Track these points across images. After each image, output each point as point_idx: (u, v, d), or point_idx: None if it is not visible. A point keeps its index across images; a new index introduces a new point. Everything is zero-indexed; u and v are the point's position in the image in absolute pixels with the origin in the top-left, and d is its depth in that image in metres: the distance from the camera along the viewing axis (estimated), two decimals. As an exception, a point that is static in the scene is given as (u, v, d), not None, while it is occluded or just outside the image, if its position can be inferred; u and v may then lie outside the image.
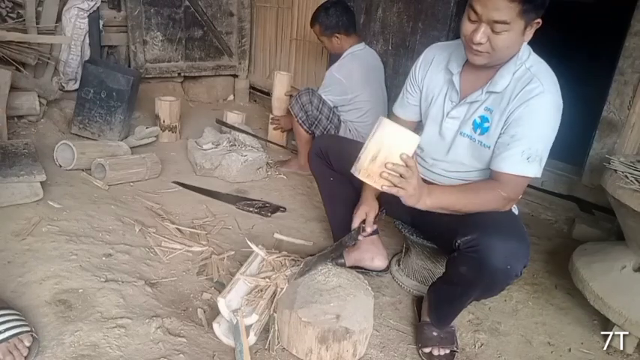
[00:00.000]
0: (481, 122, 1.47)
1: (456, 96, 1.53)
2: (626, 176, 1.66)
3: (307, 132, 2.74)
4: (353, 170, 1.30)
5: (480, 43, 1.33)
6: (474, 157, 1.52)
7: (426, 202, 1.35)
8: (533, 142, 1.36)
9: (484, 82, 1.46)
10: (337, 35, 2.70)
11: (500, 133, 1.42)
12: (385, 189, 1.28)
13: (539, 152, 1.37)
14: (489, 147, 1.46)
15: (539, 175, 1.41)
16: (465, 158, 1.54)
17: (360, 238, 1.64)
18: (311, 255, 1.73)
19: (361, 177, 1.29)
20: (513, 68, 1.41)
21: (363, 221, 1.62)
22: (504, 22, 1.27)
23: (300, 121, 2.71)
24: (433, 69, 1.60)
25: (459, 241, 1.35)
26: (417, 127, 1.70)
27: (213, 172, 2.74)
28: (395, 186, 1.27)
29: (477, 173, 1.54)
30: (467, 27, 1.35)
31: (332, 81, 2.70)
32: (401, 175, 1.26)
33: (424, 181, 1.57)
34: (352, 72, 2.66)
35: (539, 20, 1.33)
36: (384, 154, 1.25)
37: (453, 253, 1.42)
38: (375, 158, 1.26)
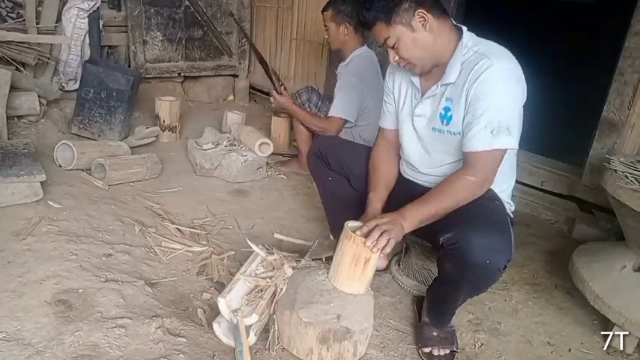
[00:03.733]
0: (445, 113, 1.51)
1: (417, 93, 1.59)
2: (626, 176, 1.65)
3: (308, 129, 2.72)
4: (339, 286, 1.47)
5: (397, 61, 1.50)
6: (450, 149, 1.54)
7: (405, 226, 1.40)
8: (494, 114, 1.38)
9: (439, 76, 1.51)
10: (347, 24, 2.59)
11: (464, 116, 1.45)
12: (383, 253, 1.39)
13: (502, 123, 1.37)
14: (458, 133, 1.48)
15: (513, 146, 1.41)
16: (442, 152, 1.57)
17: None
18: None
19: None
20: (460, 57, 1.45)
21: None
22: (387, 39, 1.46)
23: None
24: (399, 74, 1.67)
25: (441, 239, 1.37)
26: None
27: (213, 172, 2.73)
28: (386, 241, 1.35)
29: (455, 164, 1.55)
30: None
31: (350, 90, 2.55)
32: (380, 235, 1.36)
33: (409, 191, 1.61)
34: (364, 74, 2.59)
35: (421, 10, 1.40)
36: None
37: (439, 252, 1.43)
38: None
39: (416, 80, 1.58)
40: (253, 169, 2.78)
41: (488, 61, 1.38)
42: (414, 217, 1.41)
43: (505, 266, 1.35)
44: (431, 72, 1.53)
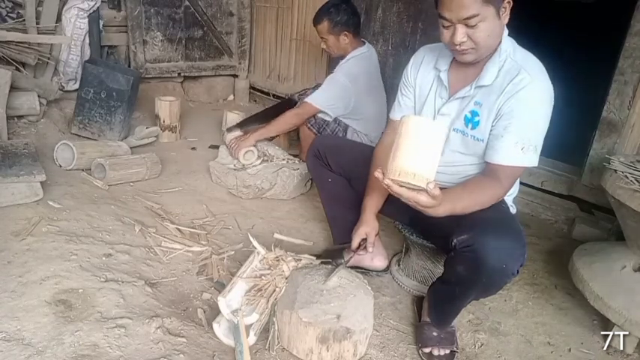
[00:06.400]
0: (472, 117, 1.48)
1: (445, 92, 1.56)
2: (626, 176, 1.65)
3: (316, 135, 2.65)
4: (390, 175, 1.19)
5: (463, 42, 1.37)
6: (468, 152, 1.53)
7: (439, 210, 1.29)
8: (526, 131, 1.37)
9: (472, 77, 1.48)
10: (346, 33, 2.57)
11: (492, 126, 1.43)
12: (415, 193, 1.18)
13: (532, 141, 1.38)
14: (482, 140, 1.47)
15: (535, 164, 1.41)
16: (458, 154, 1.55)
17: (360, 253, 1.68)
18: (314, 255, 1.74)
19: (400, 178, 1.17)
20: (498, 61, 1.43)
21: (363, 240, 1.65)
22: (474, 16, 1.31)
23: (309, 125, 2.65)
24: (423, 68, 1.63)
25: (455, 241, 1.36)
26: None
27: (266, 193, 2.53)
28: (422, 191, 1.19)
29: (470, 167, 1.55)
30: (445, 35, 1.40)
31: (337, 87, 2.54)
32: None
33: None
34: (358, 77, 2.56)
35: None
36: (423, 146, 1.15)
37: (450, 253, 1.43)
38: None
39: (445, 78, 1.54)
40: (303, 183, 2.63)
41: (528, 77, 1.36)
42: (453, 206, 1.30)
43: (518, 270, 1.35)
44: (464, 72, 1.50)
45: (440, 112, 1.56)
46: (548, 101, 1.40)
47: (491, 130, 1.44)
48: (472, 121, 1.48)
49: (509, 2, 1.36)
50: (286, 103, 2.94)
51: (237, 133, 2.71)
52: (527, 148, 1.37)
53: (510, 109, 1.38)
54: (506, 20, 1.39)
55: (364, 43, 2.68)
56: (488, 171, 1.44)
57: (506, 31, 1.45)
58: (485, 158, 1.45)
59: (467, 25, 1.34)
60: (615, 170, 1.70)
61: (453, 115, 1.54)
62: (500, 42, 1.43)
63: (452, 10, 1.33)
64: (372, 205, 1.65)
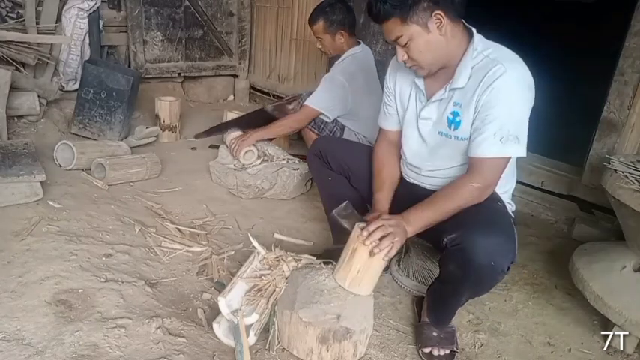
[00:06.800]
0: (453, 118, 1.49)
1: (422, 96, 1.57)
2: (626, 176, 1.65)
3: (318, 135, 2.63)
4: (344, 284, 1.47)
5: (406, 60, 1.46)
6: (454, 153, 1.53)
7: (409, 230, 1.40)
8: (504, 122, 1.37)
9: (446, 80, 1.49)
10: (342, 32, 2.56)
11: (473, 121, 1.43)
12: (387, 256, 1.38)
13: (512, 131, 1.37)
14: (465, 139, 1.47)
15: (521, 155, 1.41)
16: (447, 156, 1.56)
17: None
18: (314, 254, 1.73)
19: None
20: (471, 61, 1.43)
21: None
22: (399, 37, 1.41)
23: (310, 127, 2.64)
24: (401, 75, 1.64)
25: (445, 240, 1.37)
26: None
27: (266, 193, 2.54)
28: (391, 244, 1.36)
29: (459, 168, 1.55)
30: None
31: (334, 86, 2.53)
32: (384, 236, 1.36)
33: (412, 194, 1.60)
34: (355, 75, 2.55)
35: (438, 12, 1.36)
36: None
37: (442, 252, 1.44)
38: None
39: (420, 83, 1.56)
40: (303, 183, 2.62)
41: (502, 68, 1.36)
42: (418, 221, 1.41)
43: (508, 267, 1.35)
44: (437, 74, 1.50)
45: (421, 117, 1.57)
46: (526, 89, 1.39)
47: (472, 125, 1.44)
48: (454, 121, 1.49)
49: (439, 15, 1.36)
50: (260, 113, 2.97)
51: (237, 133, 2.71)
52: (506, 138, 1.36)
53: (488, 99, 1.38)
54: (445, 31, 1.39)
55: (359, 43, 2.66)
56: (469, 166, 1.45)
57: (474, 31, 1.45)
58: (467, 153, 1.45)
59: (400, 45, 1.43)
60: (615, 170, 1.70)
61: (434, 119, 1.54)
62: (471, 43, 1.43)
63: (384, 34, 1.46)
64: (385, 199, 1.64)
